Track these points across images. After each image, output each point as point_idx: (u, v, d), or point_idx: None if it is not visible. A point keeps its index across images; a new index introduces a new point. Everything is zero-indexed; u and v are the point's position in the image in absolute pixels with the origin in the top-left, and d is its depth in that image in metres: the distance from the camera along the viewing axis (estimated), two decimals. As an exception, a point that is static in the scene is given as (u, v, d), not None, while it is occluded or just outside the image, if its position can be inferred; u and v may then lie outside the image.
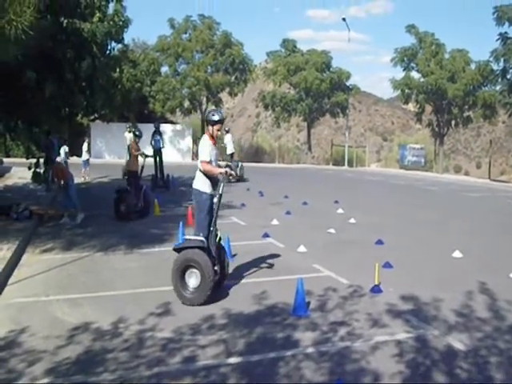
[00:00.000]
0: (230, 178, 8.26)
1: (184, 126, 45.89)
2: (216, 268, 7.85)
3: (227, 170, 8.00)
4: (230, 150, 26.76)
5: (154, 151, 21.89)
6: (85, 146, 26.58)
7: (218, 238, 8.11)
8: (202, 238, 7.79)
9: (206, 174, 8.00)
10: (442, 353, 6.00)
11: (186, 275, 7.70)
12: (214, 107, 43.57)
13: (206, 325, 6.81)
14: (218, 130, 8.16)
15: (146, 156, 16.01)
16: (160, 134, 22.41)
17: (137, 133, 15.76)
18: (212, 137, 8.14)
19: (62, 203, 15.08)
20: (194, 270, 7.63)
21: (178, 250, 8.01)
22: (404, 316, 7.18)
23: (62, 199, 15.19)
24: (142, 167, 15.57)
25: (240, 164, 26.44)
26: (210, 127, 8.12)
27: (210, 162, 7.96)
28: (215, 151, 8.19)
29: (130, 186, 14.91)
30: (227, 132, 27.33)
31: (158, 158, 22.01)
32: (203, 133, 45.50)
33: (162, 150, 22.44)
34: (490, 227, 15.09)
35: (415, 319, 7.06)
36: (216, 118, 8.06)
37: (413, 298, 7.96)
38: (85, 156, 26.07)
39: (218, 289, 7.99)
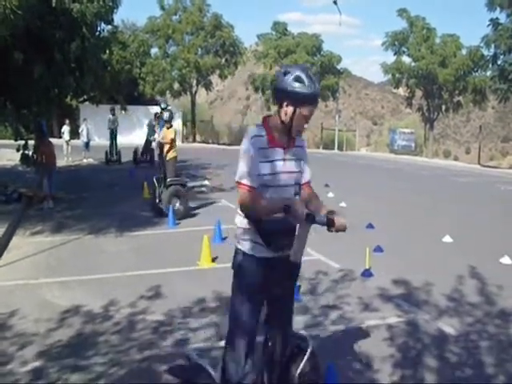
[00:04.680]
0: None
1: (174, 109, 45.56)
2: None
3: None
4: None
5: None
6: (83, 129, 26.94)
7: None
8: None
9: None
10: (432, 337, 6.02)
11: None
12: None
13: (197, 308, 6.79)
14: None
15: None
16: (113, 114, 26.41)
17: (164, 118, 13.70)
18: None
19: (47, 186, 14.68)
20: None
21: None
22: (395, 300, 7.19)
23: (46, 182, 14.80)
24: None
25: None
26: None
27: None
28: None
29: None
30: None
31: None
32: (193, 115, 45.99)
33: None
34: (479, 212, 15.13)
35: (406, 303, 7.07)
36: None
37: (404, 282, 7.97)
38: (84, 138, 26.70)
39: None
